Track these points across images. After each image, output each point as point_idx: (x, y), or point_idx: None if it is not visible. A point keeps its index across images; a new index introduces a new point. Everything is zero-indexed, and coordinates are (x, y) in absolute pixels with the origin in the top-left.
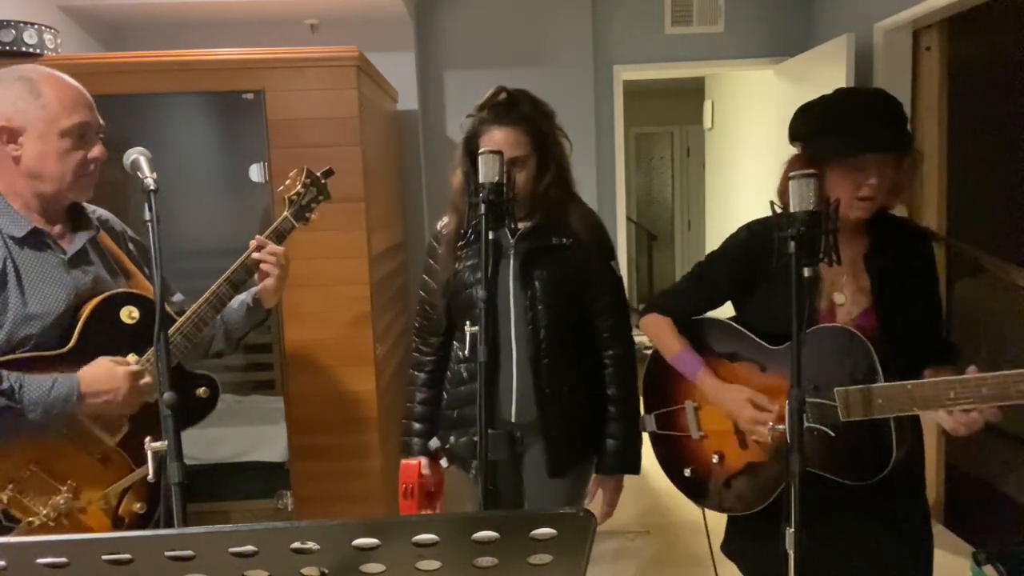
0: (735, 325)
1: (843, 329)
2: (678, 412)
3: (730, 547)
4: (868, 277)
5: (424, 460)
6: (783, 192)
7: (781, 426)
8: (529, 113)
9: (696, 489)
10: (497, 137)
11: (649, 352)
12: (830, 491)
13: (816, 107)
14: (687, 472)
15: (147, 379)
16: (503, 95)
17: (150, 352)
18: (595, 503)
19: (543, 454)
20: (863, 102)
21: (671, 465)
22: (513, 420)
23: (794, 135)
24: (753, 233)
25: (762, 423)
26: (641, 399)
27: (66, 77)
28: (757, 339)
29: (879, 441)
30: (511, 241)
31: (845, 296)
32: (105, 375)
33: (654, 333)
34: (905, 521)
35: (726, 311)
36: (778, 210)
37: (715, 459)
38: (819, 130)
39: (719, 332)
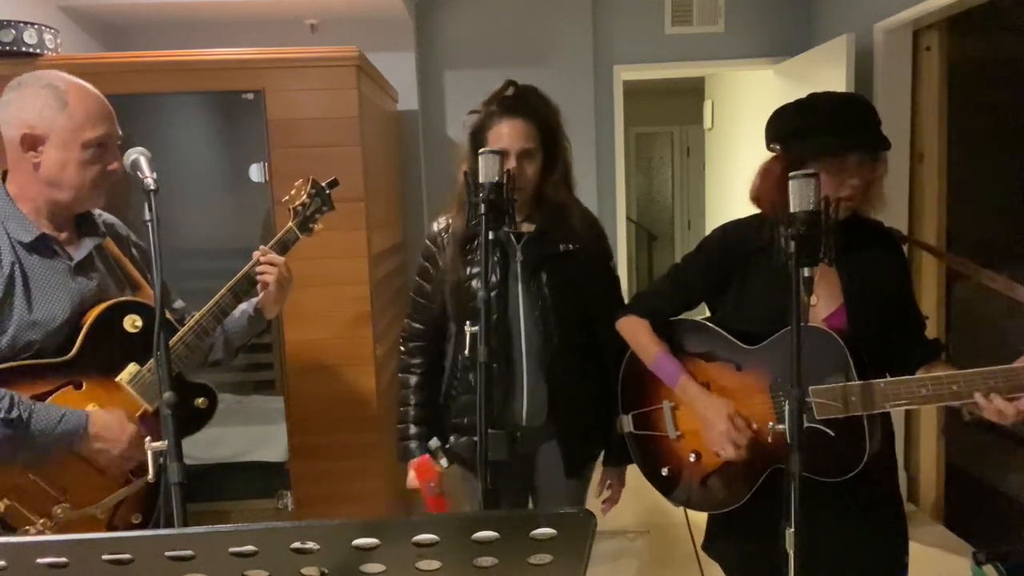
0: (710, 325)
1: (817, 328)
2: (655, 412)
3: (710, 546)
4: (839, 277)
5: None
6: (757, 197)
7: (781, 426)
8: (537, 107)
9: (673, 488)
10: (506, 129)
11: None
12: (807, 488)
13: (794, 109)
14: (664, 471)
15: (147, 447)
16: (511, 89)
17: (151, 360)
18: (602, 496)
19: (559, 456)
20: (843, 103)
21: (649, 465)
22: (524, 424)
23: (772, 137)
24: (727, 234)
25: (732, 441)
26: (619, 400)
27: (91, 87)
28: (732, 339)
29: (853, 438)
30: (517, 246)
31: (817, 296)
32: (113, 425)
33: (632, 336)
34: (878, 510)
35: (701, 311)
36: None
37: (692, 458)
38: (799, 131)
39: (694, 332)
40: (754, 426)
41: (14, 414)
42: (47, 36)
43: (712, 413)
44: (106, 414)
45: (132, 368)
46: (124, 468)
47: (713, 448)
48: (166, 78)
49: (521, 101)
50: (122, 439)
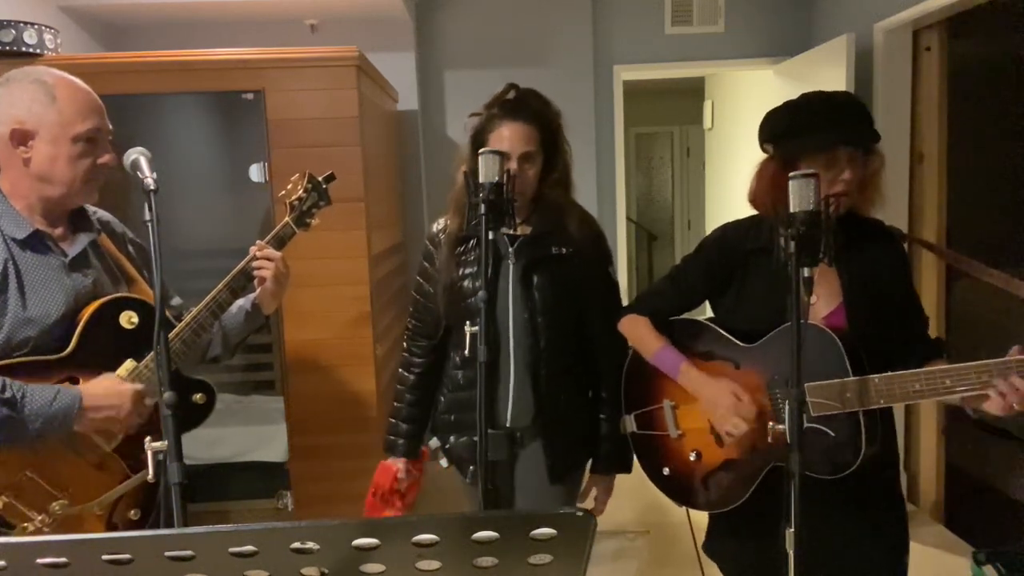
0: (709, 324)
1: (812, 326)
2: (656, 412)
3: (710, 546)
4: (838, 276)
5: (403, 463)
6: (755, 199)
7: (781, 426)
8: (539, 110)
9: (675, 487)
10: (507, 132)
11: None
12: (807, 487)
13: (784, 110)
14: (666, 471)
15: (149, 400)
16: (512, 92)
17: (149, 357)
18: (587, 503)
19: (543, 461)
20: (832, 100)
21: (651, 465)
22: (508, 424)
23: (765, 138)
24: (727, 235)
25: (739, 414)
26: (622, 401)
27: (79, 82)
28: (731, 337)
29: (849, 436)
30: (510, 250)
31: (816, 294)
32: (109, 391)
33: (633, 334)
34: (878, 510)
35: (703, 311)
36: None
37: (692, 457)
38: (790, 130)
39: (693, 332)
40: (750, 433)
41: (7, 394)
42: (47, 36)
43: (716, 392)
44: (98, 383)
45: (129, 364)
46: (136, 426)
47: (722, 428)
48: (166, 78)
49: (522, 104)
50: (124, 402)
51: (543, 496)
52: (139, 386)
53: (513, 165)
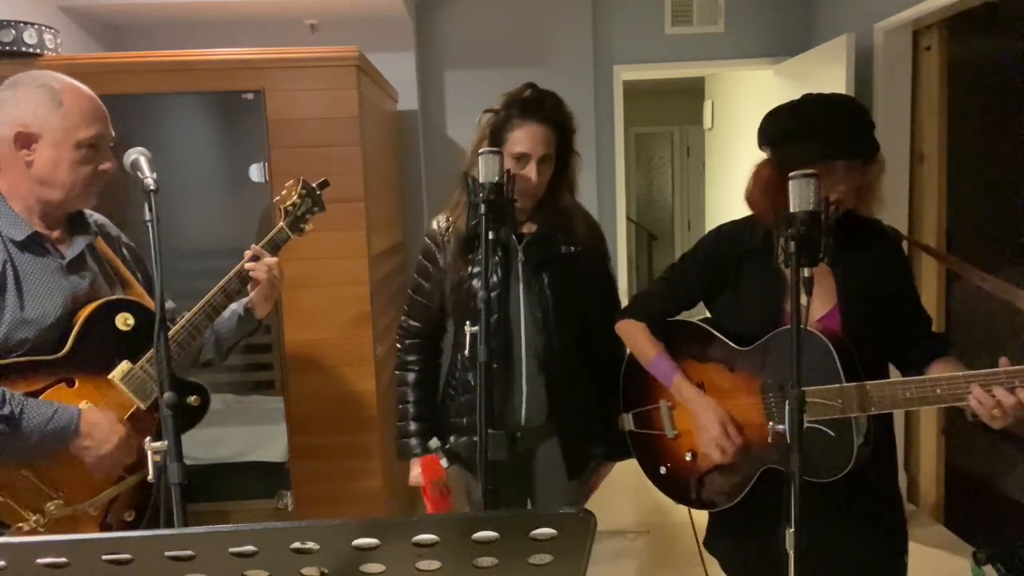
0: (704, 326)
1: (805, 331)
2: (654, 411)
3: (710, 543)
4: (833, 277)
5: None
6: (751, 200)
7: (781, 426)
8: (557, 112)
9: (672, 486)
10: (527, 134)
11: None
12: (806, 488)
13: (785, 112)
14: (663, 469)
15: (126, 456)
16: (529, 91)
17: (144, 359)
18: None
19: (560, 457)
20: (832, 108)
21: (649, 463)
22: (522, 424)
23: (763, 140)
24: (722, 235)
25: (720, 448)
26: (620, 399)
27: (85, 88)
28: (725, 340)
29: (841, 440)
30: (519, 247)
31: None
32: (104, 424)
33: (629, 339)
34: (878, 510)
35: (700, 311)
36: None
37: (688, 457)
38: (789, 135)
39: (689, 334)
40: (744, 437)
41: (6, 410)
42: (47, 36)
43: (705, 418)
44: (98, 413)
45: (124, 366)
46: (109, 470)
47: (703, 450)
48: (166, 78)
49: (541, 105)
50: (110, 440)
51: (562, 492)
52: (131, 432)
53: (533, 166)
